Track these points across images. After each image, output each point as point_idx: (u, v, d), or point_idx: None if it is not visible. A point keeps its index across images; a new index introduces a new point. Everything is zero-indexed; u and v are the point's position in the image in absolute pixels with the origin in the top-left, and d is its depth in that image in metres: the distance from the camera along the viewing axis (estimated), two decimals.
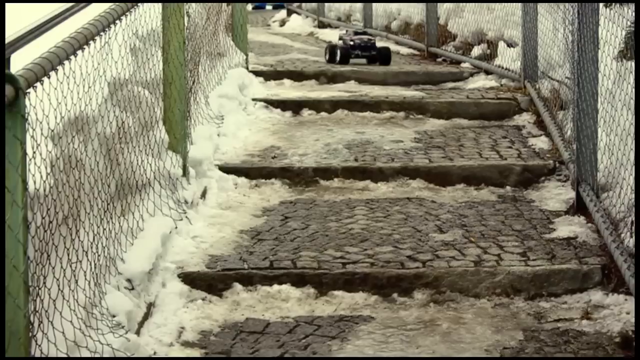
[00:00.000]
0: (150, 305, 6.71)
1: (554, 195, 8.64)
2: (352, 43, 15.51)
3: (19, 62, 5.16)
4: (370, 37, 15.98)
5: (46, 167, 5.66)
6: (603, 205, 7.74)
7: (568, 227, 7.88)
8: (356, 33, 16.22)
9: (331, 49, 16.05)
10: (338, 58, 15.63)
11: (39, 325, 5.24)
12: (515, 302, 6.89)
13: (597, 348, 6.19)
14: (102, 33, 6.44)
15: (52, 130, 5.87)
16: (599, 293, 6.89)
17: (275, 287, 7.06)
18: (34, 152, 5.26)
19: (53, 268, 5.64)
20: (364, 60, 15.53)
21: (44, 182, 5.59)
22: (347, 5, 21.48)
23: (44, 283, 5.47)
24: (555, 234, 7.82)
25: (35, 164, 5.30)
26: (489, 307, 6.76)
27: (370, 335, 6.41)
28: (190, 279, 7.10)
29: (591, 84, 8.08)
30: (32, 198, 5.12)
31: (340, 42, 16.09)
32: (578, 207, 8.16)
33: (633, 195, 7.33)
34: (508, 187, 8.99)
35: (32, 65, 5.03)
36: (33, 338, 4.95)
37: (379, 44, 16.20)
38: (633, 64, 7.36)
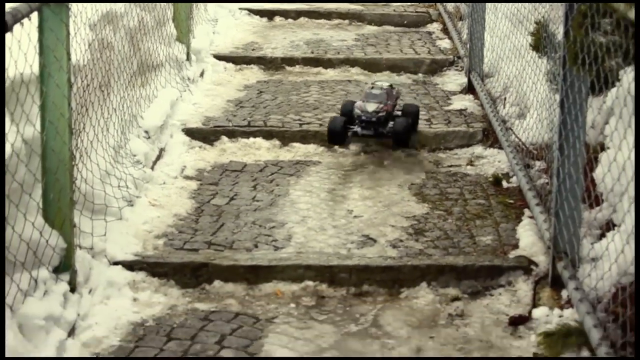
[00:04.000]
0: (161, 150, 6.74)
1: (452, 80, 8.63)
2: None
3: None
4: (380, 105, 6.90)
5: (84, 46, 5.64)
6: (486, 87, 7.77)
7: (461, 102, 7.90)
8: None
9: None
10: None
11: (80, 157, 5.26)
12: (421, 153, 6.93)
13: (476, 184, 6.26)
14: None
15: (89, 19, 5.85)
16: (480, 147, 6.94)
17: (251, 139, 7.09)
18: (75, 33, 5.24)
19: (90, 119, 5.65)
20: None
21: (83, 56, 5.58)
22: None
23: (84, 128, 5.48)
24: (452, 106, 7.84)
25: (76, 42, 5.28)
26: (402, 156, 6.80)
27: (317, 174, 6.46)
28: (191, 132, 7.13)
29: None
30: (74, 66, 5.09)
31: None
32: (469, 89, 8.17)
33: (507, 81, 7.37)
34: (420, 74, 8.95)
35: None
36: (75, 166, 4.95)
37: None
38: None
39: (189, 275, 5.03)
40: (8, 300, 4.24)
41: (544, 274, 4.90)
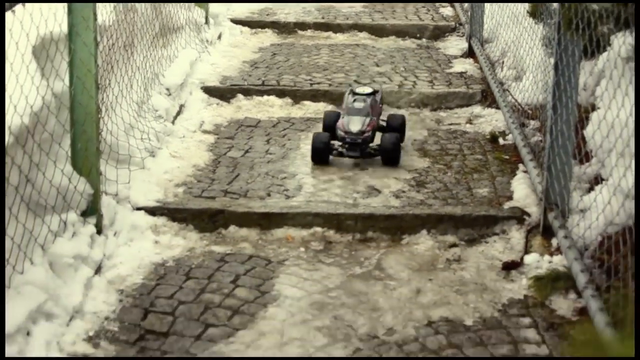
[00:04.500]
0: (181, 106, 6.77)
1: (454, 45, 8.62)
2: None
3: None
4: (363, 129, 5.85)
5: (110, 8, 5.66)
6: (485, 52, 7.77)
7: (462, 66, 7.91)
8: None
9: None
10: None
11: (106, 111, 5.30)
12: (424, 112, 6.96)
13: (475, 141, 6.28)
14: None
15: None
16: (479, 107, 6.96)
17: (265, 97, 7.12)
18: None
19: (115, 75, 5.68)
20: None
21: (108, 17, 5.60)
22: None
23: (109, 84, 5.51)
24: (453, 69, 7.85)
25: (102, 3, 5.30)
26: (406, 114, 6.81)
27: None
28: (209, 90, 7.16)
29: None
30: (100, 26, 5.12)
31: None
32: (469, 53, 8.18)
33: (505, 46, 7.38)
34: (424, 39, 8.94)
35: None
36: (101, 119, 4.99)
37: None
38: None
39: (207, 220, 5.07)
40: (39, 240, 4.30)
41: (536, 224, 4.94)
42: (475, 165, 5.84)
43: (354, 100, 5.89)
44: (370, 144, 5.79)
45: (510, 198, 5.29)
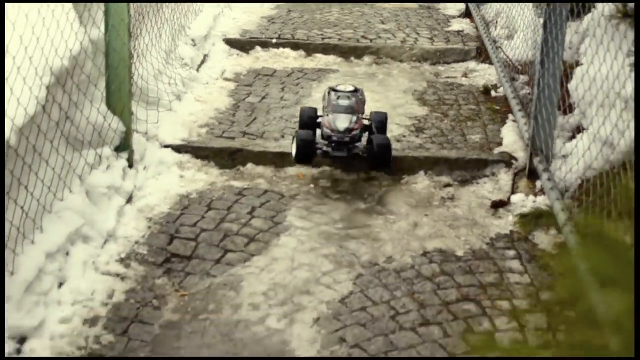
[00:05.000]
0: (205, 56, 6.73)
1: (452, 6, 8.48)
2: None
3: None
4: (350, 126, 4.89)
5: None
6: (481, 13, 7.70)
7: (459, 25, 7.83)
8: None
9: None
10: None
11: (137, 57, 5.28)
12: (424, 66, 6.91)
13: (469, 93, 6.24)
14: None
15: None
16: (474, 63, 6.90)
17: (281, 49, 7.07)
18: None
19: (146, 26, 5.65)
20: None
21: None
22: None
23: (141, 33, 5.49)
24: (451, 28, 7.77)
25: None
26: (408, 68, 6.78)
27: (336, 80, 6.41)
28: (230, 42, 7.09)
29: None
30: None
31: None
32: (466, 14, 8.08)
33: (499, 7, 7.32)
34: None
35: None
36: (133, 64, 4.98)
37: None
38: None
39: (227, 158, 5.08)
40: (77, 171, 4.32)
41: (522, 167, 4.94)
42: (469, 115, 5.82)
43: (339, 98, 4.94)
44: (358, 144, 4.91)
45: (500, 144, 5.28)
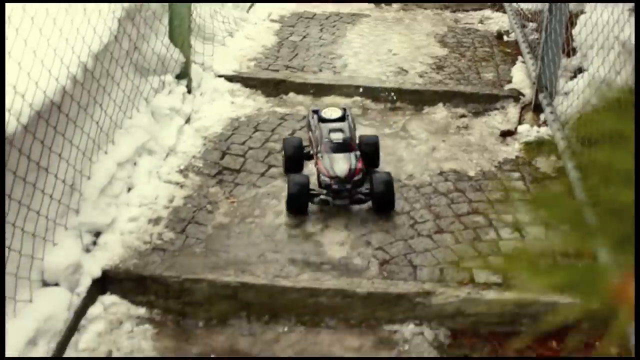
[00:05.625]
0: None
1: None
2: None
3: None
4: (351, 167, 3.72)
5: None
6: None
7: None
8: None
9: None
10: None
11: None
12: (445, 13, 6.83)
13: (484, 37, 6.19)
14: None
15: None
16: (489, 11, 6.82)
17: None
18: None
19: None
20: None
21: None
22: None
23: None
24: None
25: None
26: (431, 14, 6.73)
27: (368, 23, 6.41)
28: None
29: None
30: None
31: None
32: None
33: None
34: None
35: None
36: (193, 4, 4.97)
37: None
38: None
39: (272, 87, 5.10)
40: (144, 94, 4.36)
41: (529, 102, 4.92)
42: (484, 56, 5.78)
43: (330, 132, 3.83)
44: (360, 188, 3.74)
45: (509, 82, 5.25)
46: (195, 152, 4.30)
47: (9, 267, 3.05)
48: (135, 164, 3.98)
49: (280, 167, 4.18)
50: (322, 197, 3.74)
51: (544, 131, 4.58)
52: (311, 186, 3.77)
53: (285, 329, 3.26)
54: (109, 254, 3.43)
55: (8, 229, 3.04)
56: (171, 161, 4.16)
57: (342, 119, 3.97)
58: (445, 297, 3.26)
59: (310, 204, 3.75)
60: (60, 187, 3.44)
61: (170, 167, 4.11)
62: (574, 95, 4.50)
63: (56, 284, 3.23)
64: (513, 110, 4.91)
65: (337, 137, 3.81)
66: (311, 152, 4.02)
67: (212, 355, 3.12)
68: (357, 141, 3.98)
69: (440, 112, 4.91)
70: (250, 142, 4.45)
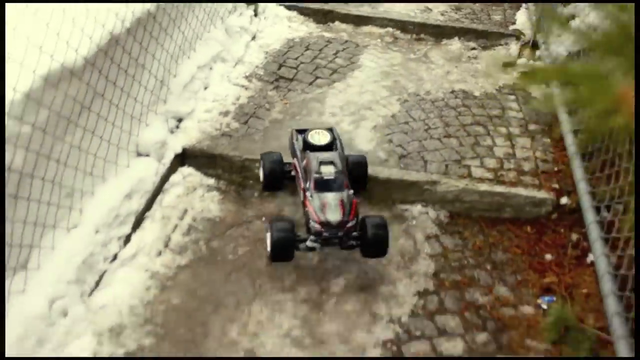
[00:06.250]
0: None
1: None
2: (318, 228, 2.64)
3: None
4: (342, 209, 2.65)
5: None
6: None
7: None
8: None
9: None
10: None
11: None
12: None
13: None
14: None
15: None
16: None
17: None
18: None
19: None
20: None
21: None
22: None
23: None
24: None
25: None
26: None
27: None
28: None
29: None
30: None
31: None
32: None
33: None
34: None
35: None
36: None
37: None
38: None
39: (321, 16, 5.03)
40: (219, 14, 4.35)
41: (528, 41, 4.83)
42: (494, 2, 5.66)
43: (320, 164, 2.80)
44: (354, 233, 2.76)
45: (513, 23, 5.15)
46: (258, 63, 4.31)
47: (113, 140, 3.14)
48: (211, 68, 4.02)
49: (325, 78, 4.19)
50: (308, 244, 2.76)
51: (538, 64, 4.52)
52: (297, 228, 2.78)
53: None
54: (188, 135, 3.51)
55: (118, 113, 3.13)
56: (239, 69, 4.18)
57: (330, 145, 2.93)
58: (448, 186, 3.31)
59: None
60: (153, 81, 3.50)
61: (238, 73, 4.13)
62: (564, 37, 4.42)
63: (147, 155, 3.33)
64: (514, 47, 4.84)
65: (329, 171, 2.77)
66: (298, 184, 2.91)
67: (264, 218, 3.20)
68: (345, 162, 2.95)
69: (455, 44, 4.85)
70: (302, 58, 4.44)
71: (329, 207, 2.71)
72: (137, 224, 3.07)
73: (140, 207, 3.11)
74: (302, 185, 2.84)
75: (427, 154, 3.52)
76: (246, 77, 4.12)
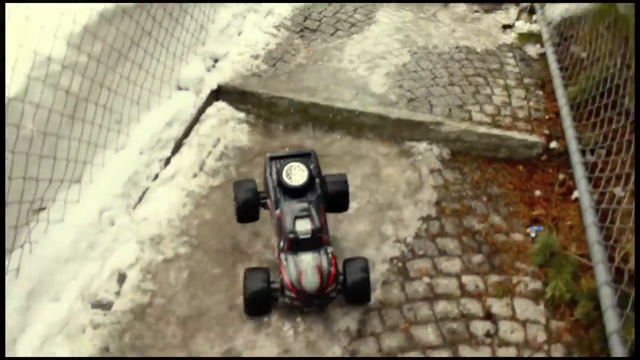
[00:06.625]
0: None
1: None
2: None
3: None
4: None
5: None
6: None
7: None
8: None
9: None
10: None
11: None
12: None
13: None
14: None
15: None
16: None
17: None
18: None
19: None
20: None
21: None
22: None
23: None
24: None
25: None
26: None
27: None
28: None
29: None
30: None
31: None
32: None
33: None
34: None
35: None
36: None
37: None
38: None
39: None
40: None
41: (525, 7, 4.69)
42: None
43: (295, 219, 2.22)
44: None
45: None
46: (286, 15, 4.21)
47: (158, 74, 3.09)
48: (244, 17, 3.94)
49: (344, 31, 4.10)
50: (286, 300, 2.23)
51: (534, 27, 4.40)
52: (272, 280, 2.26)
53: (338, 136, 3.30)
54: (223, 74, 3.46)
55: (163, 51, 3.07)
56: (269, 19, 4.10)
57: (307, 187, 2.25)
58: (450, 127, 3.27)
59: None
60: (194, 25, 3.43)
61: (268, 23, 4.05)
62: (559, 5, 4.30)
63: (187, 89, 3.29)
64: (513, 11, 4.71)
65: (305, 229, 2.18)
66: (271, 215, 2.33)
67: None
68: (323, 181, 2.37)
69: (461, 7, 4.72)
70: (325, 12, 4.33)
71: (305, 273, 2.15)
72: (176, 148, 3.05)
73: (179, 134, 3.09)
74: (277, 240, 2.26)
75: (433, 99, 3.47)
76: (275, 27, 4.04)
